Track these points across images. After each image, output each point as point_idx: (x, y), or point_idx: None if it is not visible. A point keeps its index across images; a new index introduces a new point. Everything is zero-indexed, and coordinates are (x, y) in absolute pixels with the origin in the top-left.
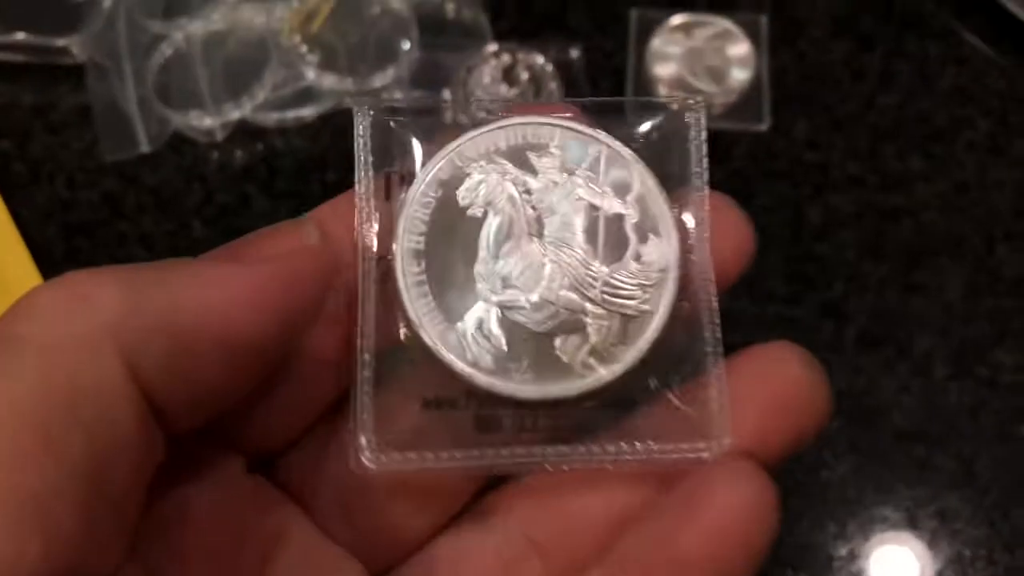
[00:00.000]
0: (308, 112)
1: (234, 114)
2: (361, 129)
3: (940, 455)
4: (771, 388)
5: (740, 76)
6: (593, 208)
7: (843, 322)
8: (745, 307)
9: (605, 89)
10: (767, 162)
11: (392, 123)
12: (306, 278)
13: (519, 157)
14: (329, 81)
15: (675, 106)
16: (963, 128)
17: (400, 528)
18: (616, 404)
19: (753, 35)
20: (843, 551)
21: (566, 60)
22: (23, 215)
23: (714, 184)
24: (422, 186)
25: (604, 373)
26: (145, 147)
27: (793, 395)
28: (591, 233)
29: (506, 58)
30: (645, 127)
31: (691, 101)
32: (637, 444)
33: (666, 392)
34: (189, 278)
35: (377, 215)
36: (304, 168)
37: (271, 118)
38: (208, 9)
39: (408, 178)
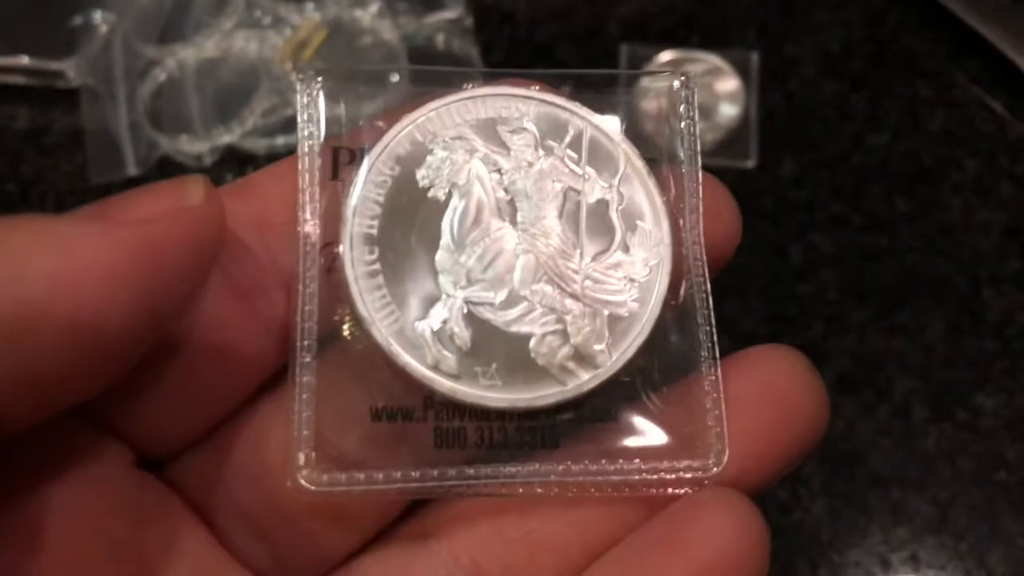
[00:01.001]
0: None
1: (223, 139)
2: (305, 98)
3: (916, 499)
4: (768, 399)
5: (729, 113)
6: (573, 192)
7: (823, 363)
8: (725, 345)
9: None
10: (752, 200)
11: (342, 92)
12: (179, 245)
13: (489, 132)
14: None
15: (664, 80)
16: (950, 170)
17: (318, 546)
18: (598, 415)
19: (743, 72)
20: None
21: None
22: None
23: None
24: (376, 162)
25: (585, 379)
26: (132, 170)
27: (792, 406)
28: (571, 220)
29: None
30: (631, 102)
31: (682, 75)
32: (621, 462)
33: (655, 402)
34: (33, 240)
35: (322, 195)
36: None
37: (260, 144)
38: (202, 36)
39: (359, 154)
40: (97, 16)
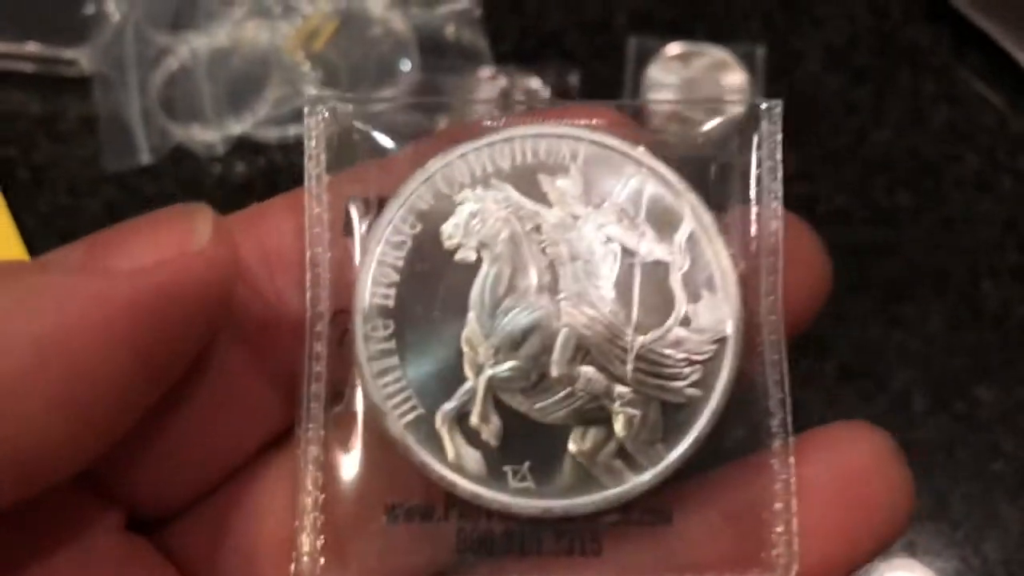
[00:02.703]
0: None
1: (235, 129)
2: (314, 137)
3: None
4: (846, 492)
5: (734, 106)
6: (627, 253)
7: (824, 354)
8: None
9: None
10: None
11: (357, 129)
12: (185, 298)
13: (527, 181)
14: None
15: (740, 110)
16: (952, 164)
17: None
18: (648, 518)
19: (749, 66)
20: None
21: (564, 85)
22: (26, 220)
23: None
24: (395, 219)
25: (634, 481)
26: (145, 158)
27: (872, 501)
28: (623, 287)
29: (503, 81)
30: (698, 141)
31: (764, 104)
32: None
33: (716, 501)
34: (17, 298)
35: (332, 251)
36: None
37: (272, 134)
38: (214, 25)
39: (375, 206)
40: (110, 4)
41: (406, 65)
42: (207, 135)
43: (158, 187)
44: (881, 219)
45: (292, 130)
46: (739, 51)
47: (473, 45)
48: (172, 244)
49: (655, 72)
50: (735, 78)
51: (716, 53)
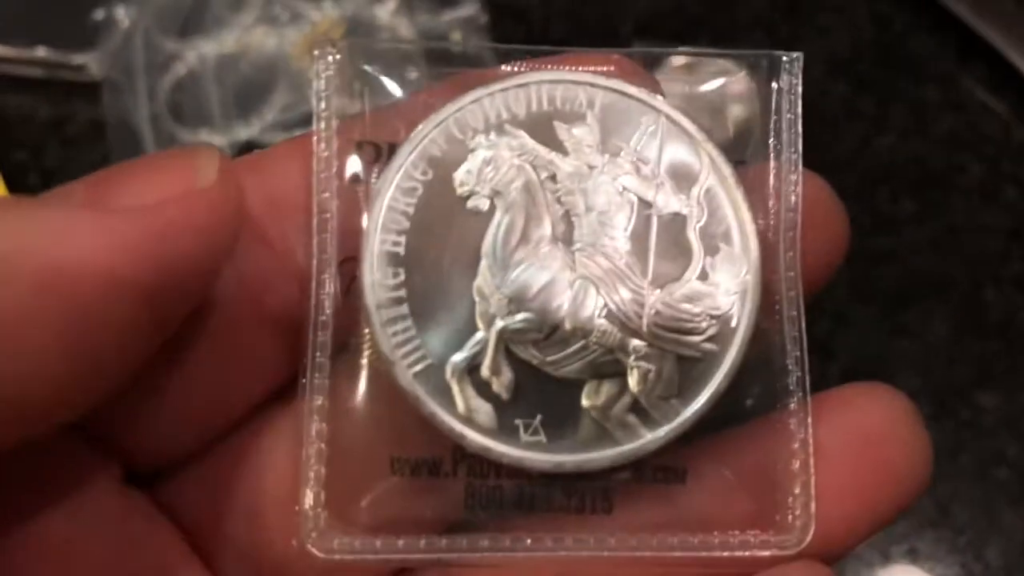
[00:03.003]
0: None
1: (243, 134)
2: (324, 78)
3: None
4: (863, 451)
5: (738, 114)
6: (644, 204)
7: (828, 359)
8: None
9: None
10: None
11: (368, 69)
12: (190, 238)
13: (543, 128)
14: None
15: (762, 62)
16: (956, 173)
17: None
18: (661, 476)
19: (753, 72)
20: None
21: None
22: None
23: None
24: (405, 164)
25: (648, 437)
26: None
27: (890, 460)
28: (639, 239)
29: None
30: (717, 90)
31: (785, 57)
32: (687, 534)
33: (732, 459)
34: (17, 229)
35: (340, 198)
36: None
37: (279, 139)
38: (222, 31)
39: (386, 152)
40: (119, 11)
41: (412, 73)
42: (215, 140)
43: None
44: (884, 227)
45: (299, 136)
46: (744, 61)
47: (478, 52)
48: (176, 183)
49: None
50: (739, 85)
51: (721, 63)
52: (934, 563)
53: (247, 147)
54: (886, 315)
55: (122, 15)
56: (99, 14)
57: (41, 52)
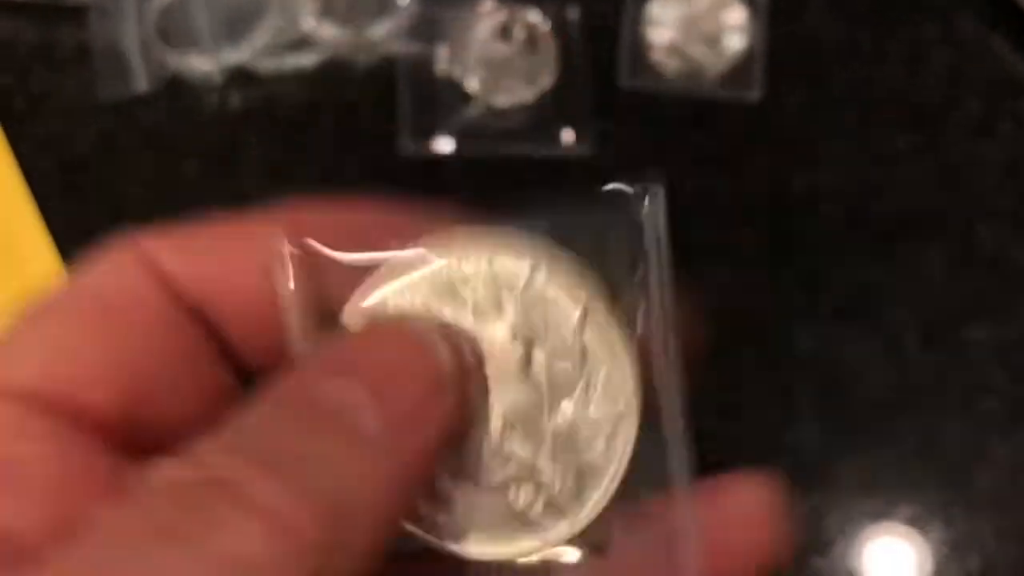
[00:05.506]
0: (306, 60)
1: (233, 59)
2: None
3: (905, 424)
4: (726, 544)
5: (734, 44)
6: (528, 343)
7: (819, 292)
8: (724, 273)
9: (601, 52)
10: (755, 133)
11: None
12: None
13: (452, 294)
14: (327, 30)
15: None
16: (952, 109)
17: None
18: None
19: (751, 3)
20: (806, 508)
21: (563, 20)
22: (22, 148)
23: (701, 152)
24: None
25: (564, 528)
26: (143, 86)
27: (759, 545)
28: (532, 381)
29: (503, 14)
30: (582, 223)
31: (642, 186)
32: None
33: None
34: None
35: None
36: (300, 115)
37: (269, 64)
38: None
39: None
40: None
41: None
42: (204, 64)
43: (155, 116)
44: (880, 162)
45: (290, 60)
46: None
47: None
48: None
49: (655, 8)
50: (736, 15)
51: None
52: (924, 490)
53: (238, 72)
54: (879, 249)
55: None
56: None
57: None
